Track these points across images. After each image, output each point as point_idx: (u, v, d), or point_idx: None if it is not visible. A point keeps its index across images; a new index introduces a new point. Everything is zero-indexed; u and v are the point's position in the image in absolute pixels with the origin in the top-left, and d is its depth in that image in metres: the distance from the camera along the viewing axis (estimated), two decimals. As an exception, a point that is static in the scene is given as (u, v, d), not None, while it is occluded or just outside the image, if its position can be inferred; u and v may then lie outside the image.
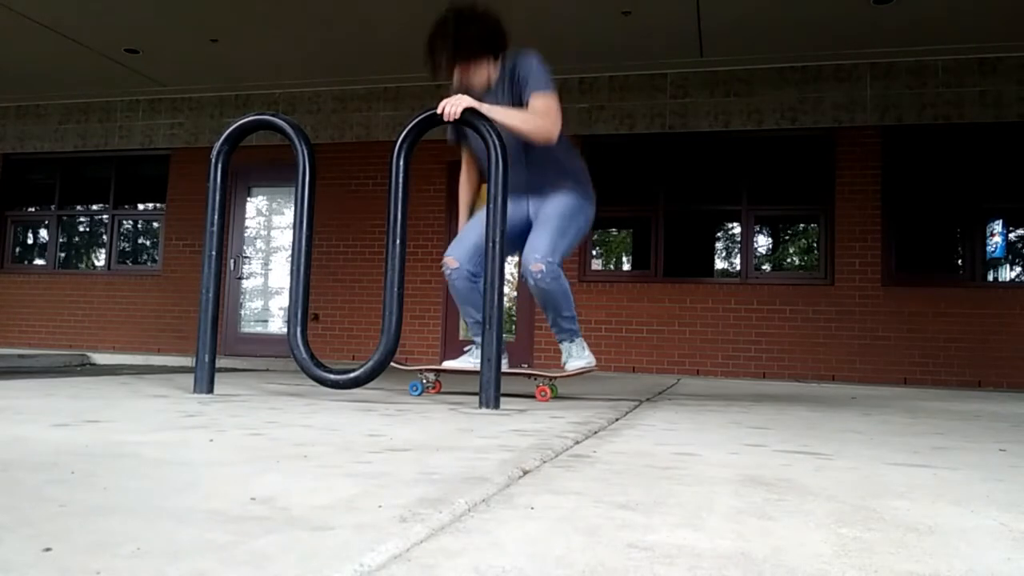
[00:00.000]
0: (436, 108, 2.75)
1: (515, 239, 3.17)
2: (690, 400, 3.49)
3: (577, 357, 3.18)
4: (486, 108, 2.74)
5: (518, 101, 2.94)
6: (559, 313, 3.14)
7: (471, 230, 3.18)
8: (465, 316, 3.22)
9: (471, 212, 3.36)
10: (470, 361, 3.18)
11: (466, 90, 2.97)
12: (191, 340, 7.84)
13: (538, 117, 2.85)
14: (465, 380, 3.62)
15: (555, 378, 3.22)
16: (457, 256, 3.15)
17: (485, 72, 2.98)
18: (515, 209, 3.15)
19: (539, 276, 2.98)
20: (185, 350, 8.12)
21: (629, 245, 7.85)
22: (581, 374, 3.19)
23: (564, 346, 3.23)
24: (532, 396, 3.14)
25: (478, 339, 3.17)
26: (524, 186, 3.14)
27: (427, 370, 3.23)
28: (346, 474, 1.15)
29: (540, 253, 2.99)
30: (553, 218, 3.07)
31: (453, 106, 2.69)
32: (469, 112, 2.72)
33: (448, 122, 2.74)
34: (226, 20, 6.78)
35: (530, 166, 3.09)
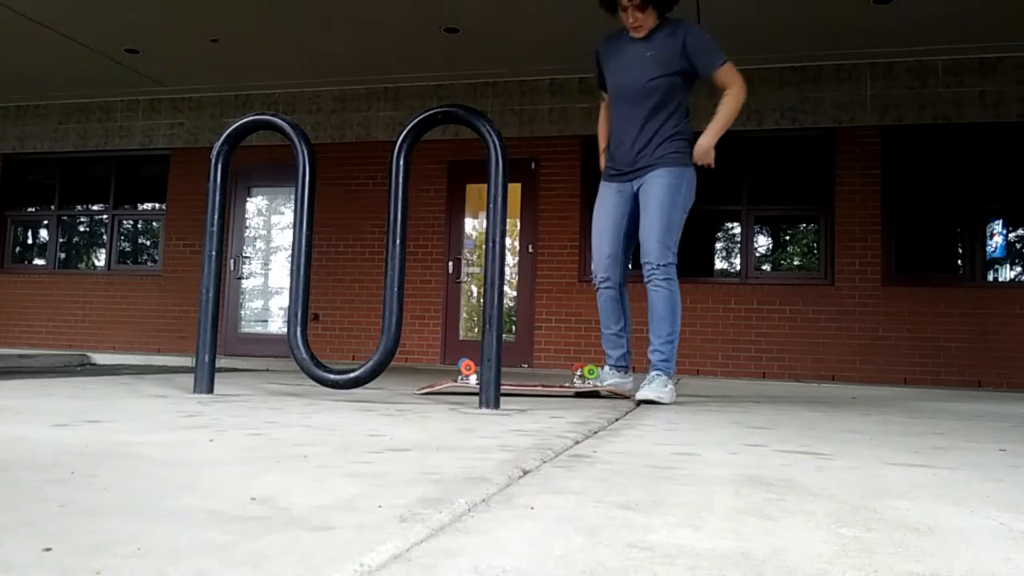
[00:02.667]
0: (441, 109, 2.74)
1: (632, 227, 3.36)
2: (690, 400, 3.49)
3: (656, 390, 3.09)
4: (714, 134, 3.19)
5: (673, 62, 3.21)
6: (659, 327, 3.23)
7: (599, 239, 3.40)
8: (606, 330, 3.48)
9: (605, 149, 3.54)
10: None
11: (634, 31, 3.27)
12: (191, 340, 7.83)
13: (735, 88, 3.19)
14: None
15: (606, 391, 3.28)
16: (603, 267, 3.39)
17: (651, 22, 3.24)
18: (623, 199, 3.35)
19: (653, 278, 3.22)
20: (185, 350, 8.12)
21: (629, 245, 7.85)
22: (649, 402, 3.08)
23: (651, 376, 3.20)
24: (533, 397, 3.14)
25: (612, 352, 3.44)
26: (632, 164, 3.31)
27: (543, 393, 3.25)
28: (346, 474, 1.15)
29: (653, 258, 3.20)
30: (657, 211, 3.22)
31: (710, 162, 3.20)
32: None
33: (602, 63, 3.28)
34: (226, 20, 6.78)
35: (644, 140, 3.28)
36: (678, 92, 3.26)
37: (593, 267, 3.46)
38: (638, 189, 3.30)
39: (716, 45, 3.22)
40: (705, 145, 3.19)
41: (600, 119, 3.61)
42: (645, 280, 3.25)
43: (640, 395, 3.08)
